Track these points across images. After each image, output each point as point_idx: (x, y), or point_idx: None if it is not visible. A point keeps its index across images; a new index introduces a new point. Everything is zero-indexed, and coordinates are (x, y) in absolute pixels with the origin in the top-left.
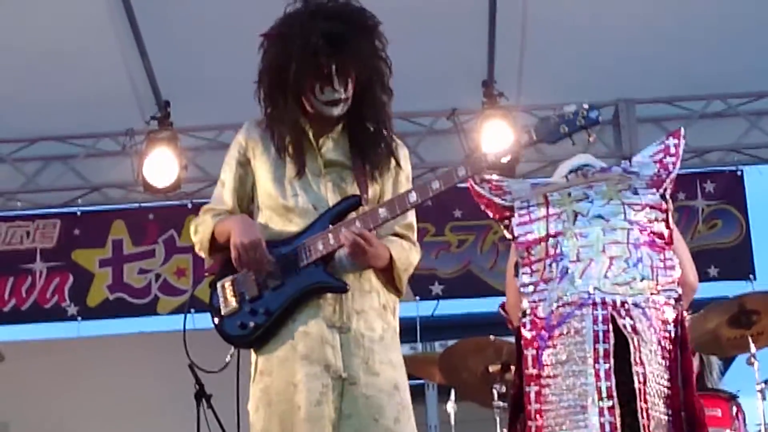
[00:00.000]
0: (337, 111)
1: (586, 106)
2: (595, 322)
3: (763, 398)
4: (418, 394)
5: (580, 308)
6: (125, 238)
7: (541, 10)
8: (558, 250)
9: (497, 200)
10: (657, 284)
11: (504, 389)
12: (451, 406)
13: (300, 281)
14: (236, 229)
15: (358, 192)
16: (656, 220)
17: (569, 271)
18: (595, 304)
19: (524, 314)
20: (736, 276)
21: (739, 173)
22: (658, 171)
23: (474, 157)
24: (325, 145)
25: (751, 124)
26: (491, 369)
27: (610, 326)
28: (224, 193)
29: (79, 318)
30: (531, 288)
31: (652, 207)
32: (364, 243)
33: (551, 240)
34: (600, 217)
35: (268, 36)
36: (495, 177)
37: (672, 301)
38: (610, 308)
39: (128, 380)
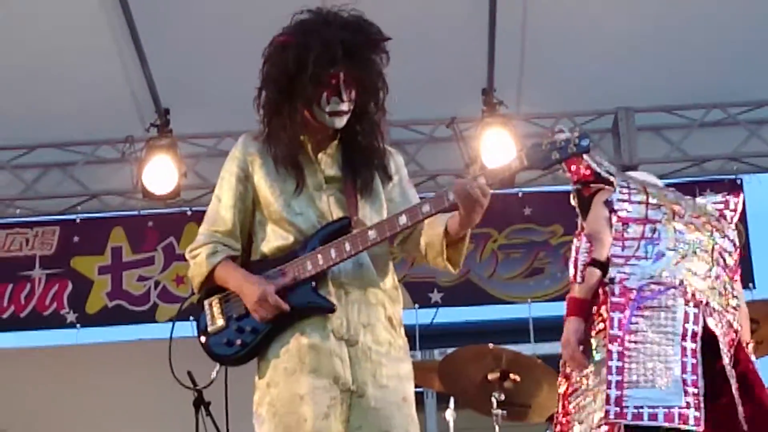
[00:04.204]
0: (339, 123)
1: (577, 133)
2: (687, 303)
3: None
4: (416, 401)
5: (672, 288)
6: (124, 245)
7: (540, 18)
8: (655, 235)
9: (592, 163)
10: (728, 304)
11: (503, 397)
12: (450, 414)
13: (288, 301)
14: (246, 295)
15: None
16: (730, 253)
17: (665, 256)
18: (685, 292)
19: (612, 281)
20: None
21: (738, 182)
22: (719, 217)
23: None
24: (324, 161)
25: (751, 132)
26: (490, 377)
27: (701, 314)
28: (222, 210)
29: (78, 325)
30: (622, 260)
31: (732, 241)
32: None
33: (649, 225)
34: (693, 224)
35: (281, 41)
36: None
37: (736, 325)
38: (698, 301)
39: (127, 387)
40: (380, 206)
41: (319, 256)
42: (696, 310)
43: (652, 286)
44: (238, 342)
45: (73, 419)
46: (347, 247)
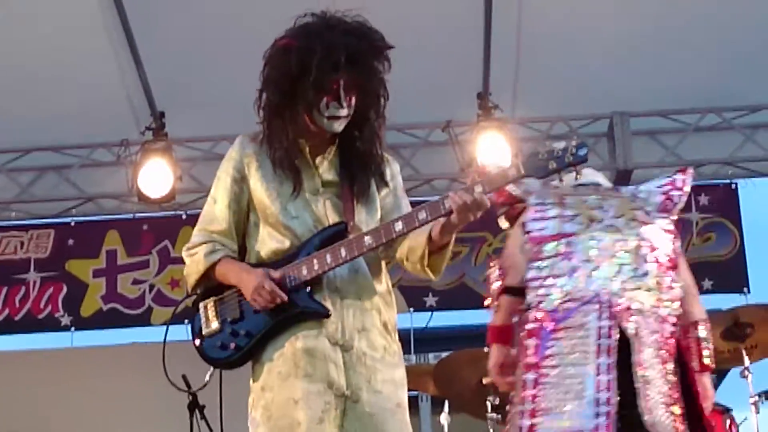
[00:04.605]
0: (337, 127)
1: (574, 142)
2: (600, 318)
3: (757, 411)
4: (411, 405)
5: (586, 305)
6: (119, 248)
7: (536, 23)
8: (570, 249)
9: (508, 187)
10: (661, 300)
11: (498, 401)
12: (444, 418)
13: (283, 306)
14: (245, 284)
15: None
16: (665, 242)
17: (579, 270)
18: (601, 303)
19: (528, 307)
20: (730, 289)
21: (733, 186)
22: (664, 201)
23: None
24: (322, 165)
25: (746, 137)
26: (485, 381)
27: (616, 325)
28: (217, 211)
29: (73, 328)
30: (538, 282)
31: (663, 230)
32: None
33: (564, 239)
34: (613, 226)
35: (284, 44)
36: None
37: (673, 319)
38: (615, 309)
39: (121, 391)
40: (375, 212)
41: (315, 260)
42: (610, 322)
43: (567, 304)
44: (232, 345)
45: (68, 422)
46: (343, 252)
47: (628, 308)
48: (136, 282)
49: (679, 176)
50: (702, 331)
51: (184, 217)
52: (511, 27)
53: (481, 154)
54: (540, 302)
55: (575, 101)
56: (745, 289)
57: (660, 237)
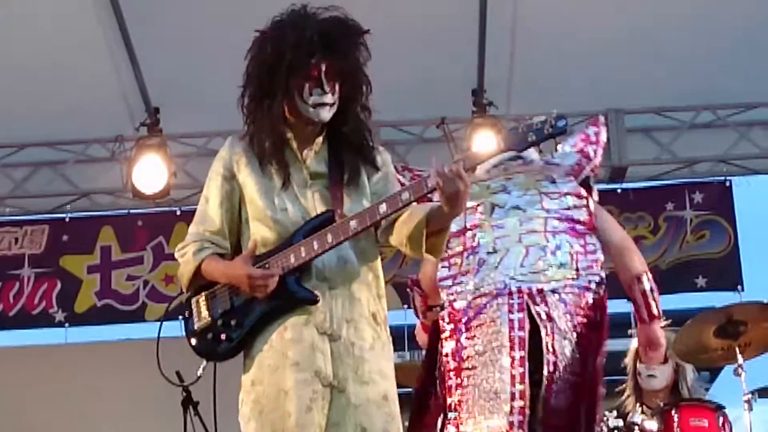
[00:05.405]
0: (324, 114)
1: (554, 114)
2: (510, 311)
3: (750, 409)
4: (405, 403)
5: (496, 298)
6: (114, 244)
7: (531, 20)
8: (475, 242)
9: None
10: (577, 270)
11: None
12: None
13: (274, 293)
14: (235, 281)
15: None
16: (575, 207)
17: (486, 263)
18: (510, 293)
19: (442, 307)
20: (724, 287)
21: (727, 184)
22: (579, 160)
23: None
24: (309, 157)
25: (740, 135)
26: None
27: (526, 314)
28: (209, 210)
29: (67, 324)
30: (449, 282)
31: (569, 194)
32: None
33: (469, 233)
34: (517, 207)
35: (259, 38)
36: (416, 168)
37: (593, 286)
38: (525, 296)
39: (115, 387)
40: (366, 201)
41: (302, 248)
42: (521, 315)
43: (477, 301)
44: (223, 337)
45: (62, 419)
46: (329, 238)
47: (540, 291)
48: (130, 278)
49: (591, 129)
50: (646, 284)
51: (178, 213)
52: (506, 24)
53: (475, 150)
54: (453, 301)
55: (569, 98)
56: (739, 287)
57: (569, 203)
